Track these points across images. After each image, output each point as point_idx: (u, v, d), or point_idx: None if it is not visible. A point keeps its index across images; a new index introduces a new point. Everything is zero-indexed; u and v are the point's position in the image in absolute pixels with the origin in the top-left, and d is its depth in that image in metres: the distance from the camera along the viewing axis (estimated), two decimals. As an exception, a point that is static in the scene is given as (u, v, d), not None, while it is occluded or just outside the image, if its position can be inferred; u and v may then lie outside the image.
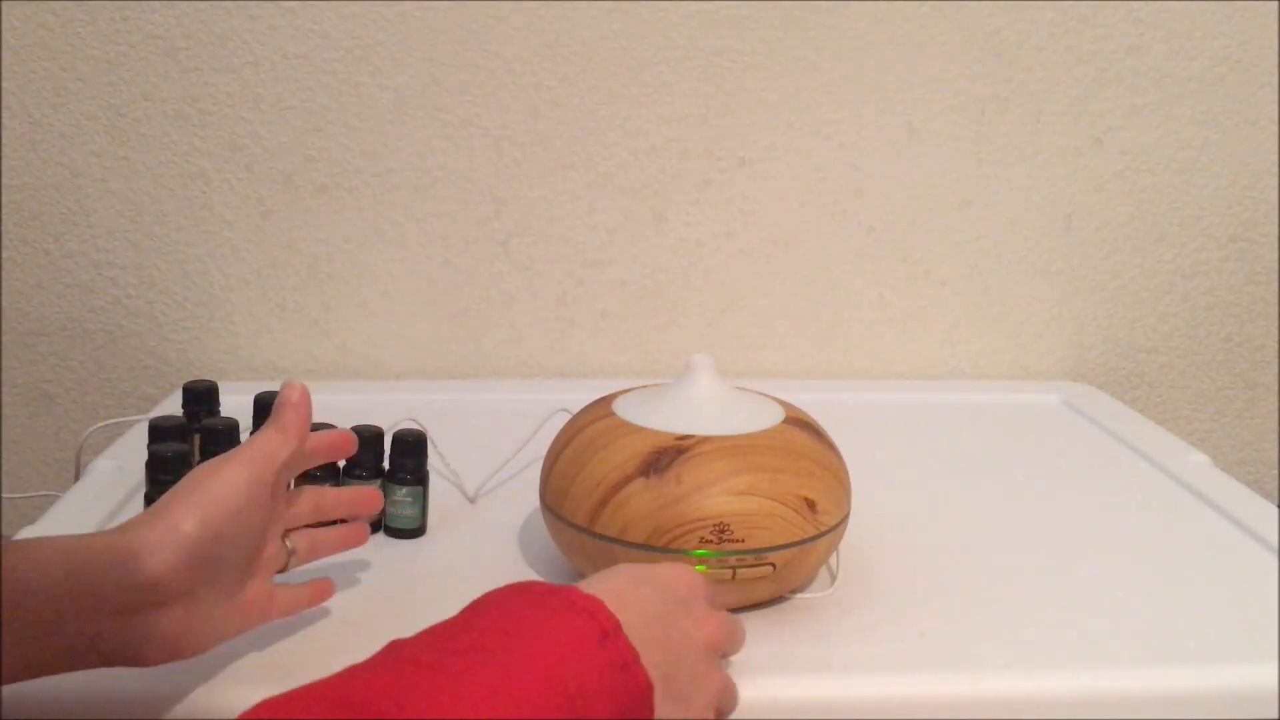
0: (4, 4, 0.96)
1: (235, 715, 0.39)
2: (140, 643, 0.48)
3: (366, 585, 0.67)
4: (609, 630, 0.45)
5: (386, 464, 0.75)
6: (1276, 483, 1.19)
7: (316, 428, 0.73)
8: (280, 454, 0.53)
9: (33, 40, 0.97)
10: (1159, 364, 1.15)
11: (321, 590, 0.61)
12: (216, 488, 0.50)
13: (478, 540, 0.74)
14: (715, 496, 0.61)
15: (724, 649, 0.54)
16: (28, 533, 0.69)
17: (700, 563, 0.61)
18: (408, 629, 0.48)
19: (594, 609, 0.46)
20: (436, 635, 0.45)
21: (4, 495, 1.05)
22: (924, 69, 1.04)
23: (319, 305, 1.06)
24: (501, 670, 0.42)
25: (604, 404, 0.70)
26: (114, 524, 0.52)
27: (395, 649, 0.44)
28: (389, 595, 0.66)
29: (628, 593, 0.49)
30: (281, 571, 0.58)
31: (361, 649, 0.46)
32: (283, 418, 0.54)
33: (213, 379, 0.84)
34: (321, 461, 0.60)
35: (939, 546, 0.75)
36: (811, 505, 0.63)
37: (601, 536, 0.62)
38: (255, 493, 0.51)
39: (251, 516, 0.51)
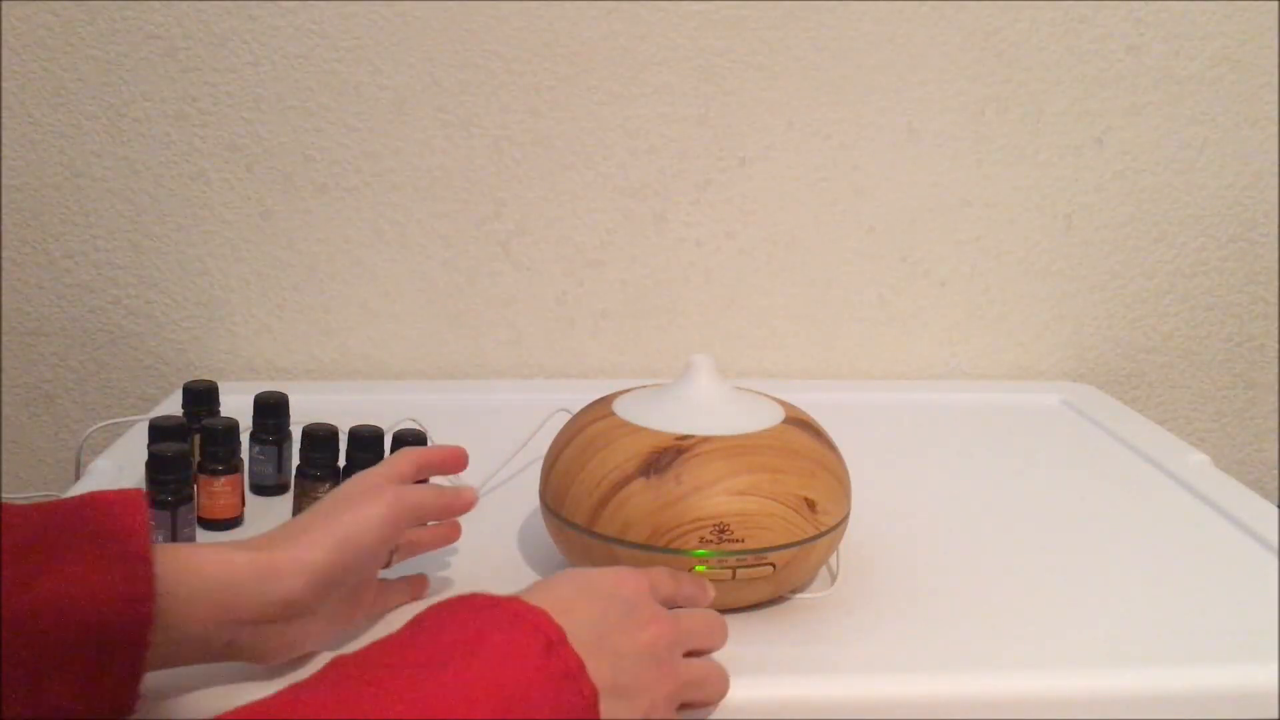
0: (4, 4, 0.96)
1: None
2: (267, 647, 0.53)
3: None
4: (554, 640, 0.45)
5: (386, 464, 0.75)
6: (1276, 483, 1.19)
7: (322, 432, 0.73)
8: (423, 508, 0.59)
9: (33, 40, 0.97)
10: (1159, 364, 1.15)
11: (419, 586, 0.65)
12: (358, 528, 0.54)
13: (478, 540, 0.74)
14: (715, 496, 0.61)
15: (682, 645, 0.54)
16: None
17: (700, 563, 0.61)
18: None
19: (538, 620, 0.46)
20: (378, 650, 0.45)
21: (4, 495, 1.05)
22: (924, 69, 1.04)
23: (319, 305, 1.06)
24: (442, 684, 0.42)
25: (604, 404, 0.70)
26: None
27: (336, 666, 0.44)
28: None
29: (572, 602, 0.49)
30: (384, 568, 0.62)
31: (361, 647, 0.46)
32: (448, 468, 0.62)
33: (213, 379, 0.84)
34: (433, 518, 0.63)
35: (939, 546, 0.75)
36: (811, 505, 0.63)
37: (601, 536, 0.62)
38: (387, 534, 0.56)
39: (379, 552, 0.56)
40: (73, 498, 0.50)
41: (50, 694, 0.46)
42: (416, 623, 0.47)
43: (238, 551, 0.52)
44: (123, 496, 0.50)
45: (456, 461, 0.64)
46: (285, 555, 0.52)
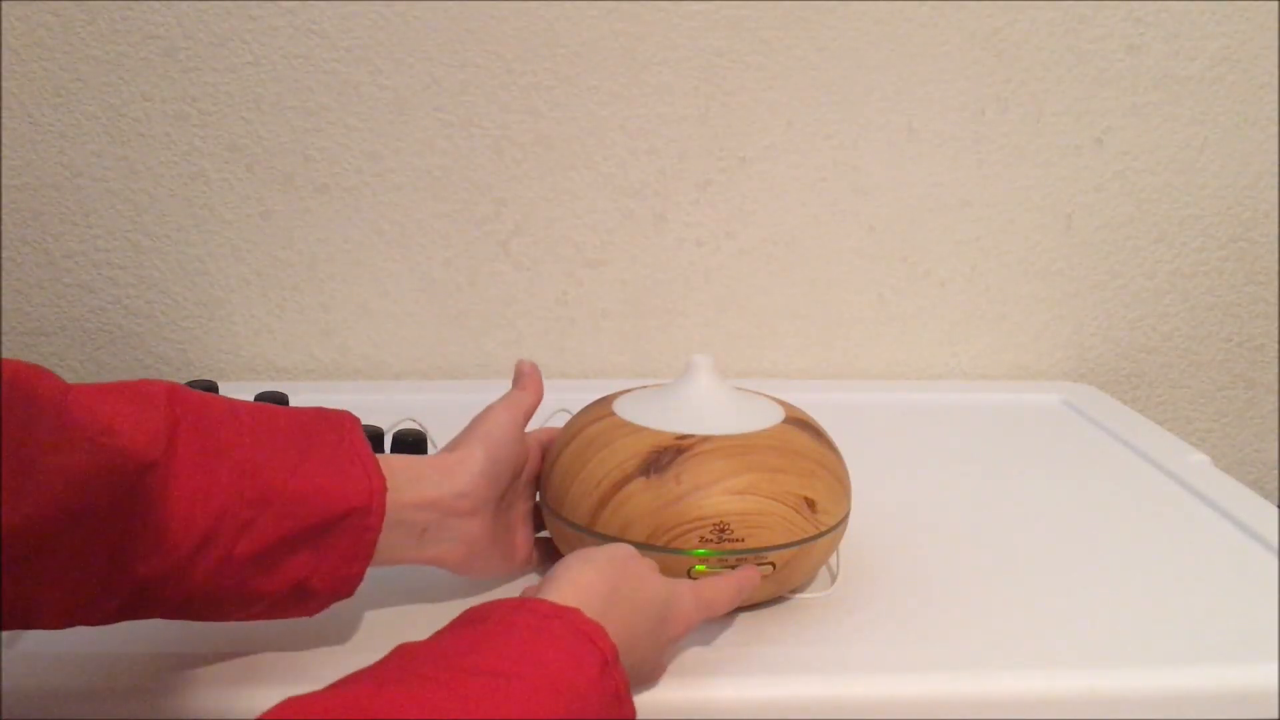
0: (4, 4, 0.96)
1: (243, 716, 0.40)
2: (450, 542, 0.61)
3: (366, 586, 0.67)
4: (609, 660, 0.48)
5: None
6: (1276, 483, 1.19)
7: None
8: (527, 403, 0.67)
9: (33, 40, 0.97)
10: (1159, 364, 1.15)
11: None
12: (491, 424, 0.64)
13: (478, 540, 0.74)
14: (715, 496, 0.61)
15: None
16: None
17: (700, 562, 0.61)
18: (408, 630, 0.48)
19: (596, 636, 0.48)
20: (448, 649, 0.47)
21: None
22: (924, 69, 1.04)
23: (319, 305, 1.06)
24: (512, 696, 0.44)
25: (604, 404, 0.70)
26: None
27: (407, 657, 0.46)
28: (389, 596, 0.66)
29: (625, 623, 0.52)
30: (538, 534, 0.71)
31: (362, 649, 0.46)
32: (525, 381, 0.69)
33: (213, 379, 0.84)
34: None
35: (939, 547, 0.75)
36: (811, 505, 0.63)
37: (602, 536, 0.63)
38: (515, 429, 0.65)
39: (513, 447, 0.65)
40: (299, 408, 0.59)
41: (295, 564, 0.54)
42: (479, 622, 0.49)
43: (421, 460, 0.61)
44: (341, 412, 0.60)
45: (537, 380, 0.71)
46: (452, 456, 0.62)
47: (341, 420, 0.59)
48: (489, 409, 0.65)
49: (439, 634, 0.48)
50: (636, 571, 0.55)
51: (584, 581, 0.52)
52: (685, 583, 0.58)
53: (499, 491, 0.64)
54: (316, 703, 0.41)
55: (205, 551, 0.51)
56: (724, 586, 0.60)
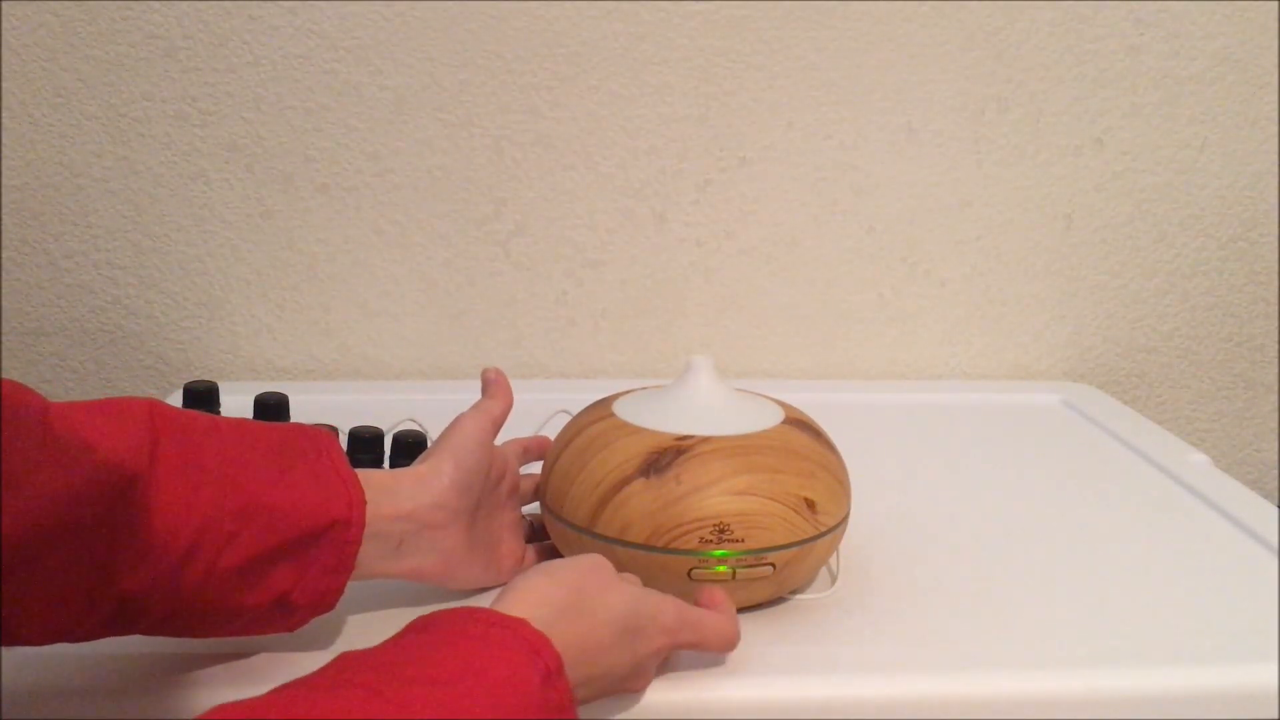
0: (4, 4, 0.96)
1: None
2: (427, 554, 0.61)
3: (364, 585, 0.67)
4: (552, 670, 0.48)
5: (387, 464, 0.75)
6: (1276, 483, 1.19)
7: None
8: (495, 411, 0.67)
9: (33, 40, 0.97)
10: (1159, 364, 1.15)
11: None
12: (458, 435, 0.64)
13: (478, 540, 0.74)
14: (715, 496, 0.61)
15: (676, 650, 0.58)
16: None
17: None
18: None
19: (540, 647, 0.48)
20: (389, 658, 0.46)
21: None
22: (924, 69, 1.04)
23: (319, 305, 1.06)
24: (449, 706, 0.44)
25: (604, 405, 0.70)
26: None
27: (346, 667, 0.45)
28: (387, 595, 0.66)
29: (586, 633, 0.52)
30: (530, 542, 0.72)
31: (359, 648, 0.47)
32: (493, 390, 0.69)
33: (213, 379, 0.84)
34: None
35: (939, 547, 0.75)
36: (811, 505, 0.63)
37: (601, 537, 0.63)
38: (483, 437, 0.65)
39: (482, 456, 0.64)
40: (279, 424, 0.60)
41: (278, 577, 0.54)
42: (423, 633, 0.48)
43: (393, 473, 0.62)
44: (320, 429, 0.60)
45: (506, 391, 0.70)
46: (423, 468, 0.62)
47: (319, 436, 0.59)
48: (457, 420, 0.65)
49: (383, 643, 0.48)
50: (599, 582, 0.54)
51: (537, 592, 0.52)
52: (669, 597, 0.57)
53: (472, 501, 0.63)
54: (248, 709, 0.41)
55: (190, 564, 0.52)
56: (713, 615, 0.59)
